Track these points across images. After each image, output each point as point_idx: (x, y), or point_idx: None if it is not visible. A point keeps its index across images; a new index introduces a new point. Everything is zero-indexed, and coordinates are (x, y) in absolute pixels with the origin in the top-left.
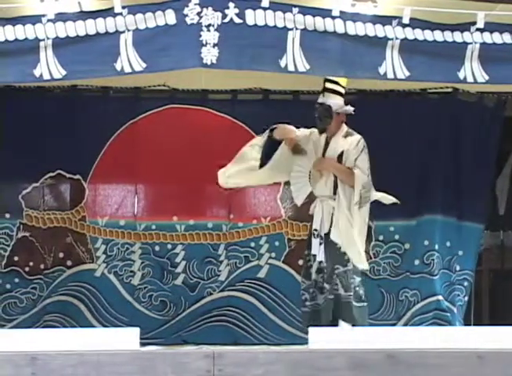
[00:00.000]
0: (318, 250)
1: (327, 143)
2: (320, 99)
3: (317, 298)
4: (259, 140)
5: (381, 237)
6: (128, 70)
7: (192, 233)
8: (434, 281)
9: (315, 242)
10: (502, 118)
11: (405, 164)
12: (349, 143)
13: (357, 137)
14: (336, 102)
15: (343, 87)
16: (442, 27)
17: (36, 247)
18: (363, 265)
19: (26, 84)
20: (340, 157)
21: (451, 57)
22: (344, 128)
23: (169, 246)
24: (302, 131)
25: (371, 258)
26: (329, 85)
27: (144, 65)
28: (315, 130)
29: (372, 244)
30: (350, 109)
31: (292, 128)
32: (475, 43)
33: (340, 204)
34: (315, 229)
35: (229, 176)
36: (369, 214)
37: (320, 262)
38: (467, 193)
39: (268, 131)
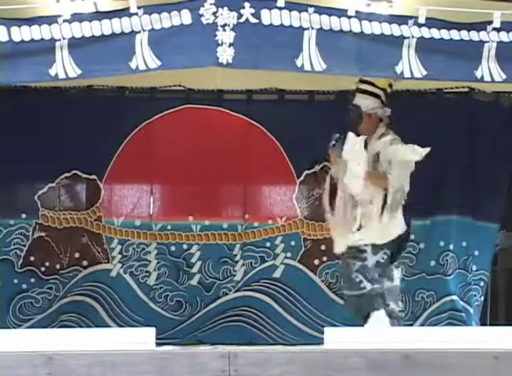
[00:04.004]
0: None
1: (366, 146)
2: (353, 101)
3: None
4: None
5: None
6: (142, 68)
7: (208, 234)
8: (448, 281)
9: None
10: None
11: (420, 163)
12: (383, 144)
13: (392, 137)
14: (367, 103)
15: (380, 88)
16: (458, 27)
17: (52, 247)
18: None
19: (42, 84)
20: (376, 158)
21: (468, 56)
22: (382, 129)
23: (185, 246)
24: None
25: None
26: (361, 86)
27: (159, 63)
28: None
29: None
30: (384, 110)
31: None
32: (492, 42)
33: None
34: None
35: None
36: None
37: None
38: (483, 193)
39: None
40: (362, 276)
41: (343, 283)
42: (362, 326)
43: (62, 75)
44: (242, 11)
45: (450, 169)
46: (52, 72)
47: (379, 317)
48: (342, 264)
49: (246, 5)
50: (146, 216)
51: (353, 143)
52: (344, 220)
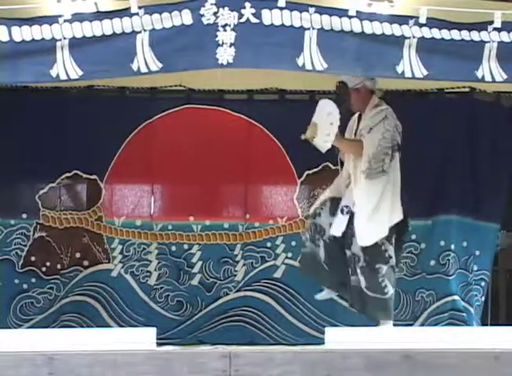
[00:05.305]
0: (340, 225)
1: (359, 121)
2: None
3: (317, 246)
4: None
5: None
6: (144, 70)
7: (209, 233)
8: (449, 281)
9: (342, 218)
10: None
11: (421, 163)
12: (373, 113)
13: (381, 107)
14: (353, 78)
15: None
16: (459, 27)
17: (53, 247)
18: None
19: (42, 84)
20: (369, 131)
21: (469, 56)
22: (375, 100)
23: (185, 246)
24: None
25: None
26: None
27: (160, 65)
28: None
29: None
30: (373, 82)
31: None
32: (493, 42)
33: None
34: (346, 206)
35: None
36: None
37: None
38: (484, 193)
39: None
40: (388, 279)
41: (366, 283)
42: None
43: (63, 76)
44: (243, 11)
45: (451, 169)
46: (54, 73)
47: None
48: (367, 266)
49: (247, 5)
50: (147, 216)
51: (321, 108)
52: None
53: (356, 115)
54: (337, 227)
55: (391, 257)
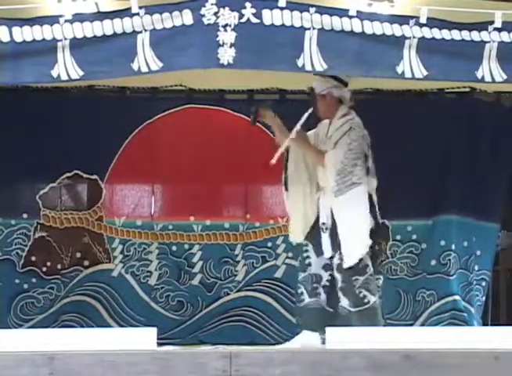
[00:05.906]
0: (328, 245)
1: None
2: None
3: (319, 296)
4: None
5: (398, 237)
6: (144, 69)
7: (209, 233)
8: (450, 281)
9: (325, 237)
10: None
11: (421, 163)
12: (339, 124)
13: (347, 118)
14: (318, 84)
15: None
16: (460, 27)
17: (53, 247)
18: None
19: (43, 84)
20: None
21: (469, 56)
22: (343, 110)
23: (186, 246)
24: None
25: (388, 258)
26: None
27: (161, 64)
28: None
29: (389, 243)
30: (341, 91)
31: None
32: (493, 42)
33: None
34: (323, 223)
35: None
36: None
37: (331, 258)
38: (484, 193)
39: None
40: (365, 290)
41: (344, 298)
42: None
43: (64, 76)
44: (243, 11)
45: (451, 169)
46: (54, 73)
47: None
48: (343, 282)
49: (248, 5)
50: (148, 216)
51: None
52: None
53: (327, 121)
54: (327, 248)
55: (367, 265)
